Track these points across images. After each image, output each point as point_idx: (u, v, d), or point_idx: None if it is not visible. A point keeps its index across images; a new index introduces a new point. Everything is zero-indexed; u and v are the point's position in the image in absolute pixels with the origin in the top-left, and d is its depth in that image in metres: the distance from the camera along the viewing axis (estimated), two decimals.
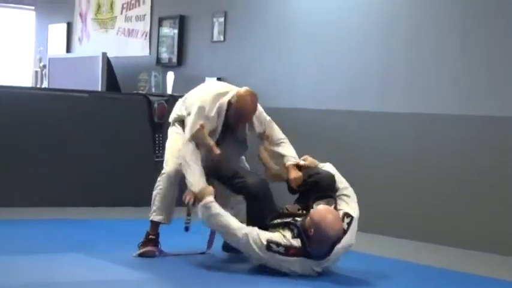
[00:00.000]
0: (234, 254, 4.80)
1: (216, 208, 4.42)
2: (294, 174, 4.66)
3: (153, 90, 7.84)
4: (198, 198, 4.49)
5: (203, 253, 4.88)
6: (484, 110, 5.64)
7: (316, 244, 4.28)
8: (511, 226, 5.45)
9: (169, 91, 7.68)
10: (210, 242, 4.91)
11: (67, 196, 6.81)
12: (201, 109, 4.68)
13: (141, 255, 4.73)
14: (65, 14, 9.94)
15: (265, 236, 4.30)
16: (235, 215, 4.55)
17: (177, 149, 4.76)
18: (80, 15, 9.74)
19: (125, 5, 9.03)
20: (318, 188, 4.56)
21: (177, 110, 5.02)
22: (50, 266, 4.44)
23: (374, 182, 6.20)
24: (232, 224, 4.37)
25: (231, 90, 4.79)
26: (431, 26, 6.02)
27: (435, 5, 6.02)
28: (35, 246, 4.98)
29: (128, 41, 8.94)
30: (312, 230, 4.26)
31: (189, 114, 4.77)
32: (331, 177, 4.62)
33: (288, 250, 4.26)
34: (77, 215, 6.40)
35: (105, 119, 7.09)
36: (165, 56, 8.39)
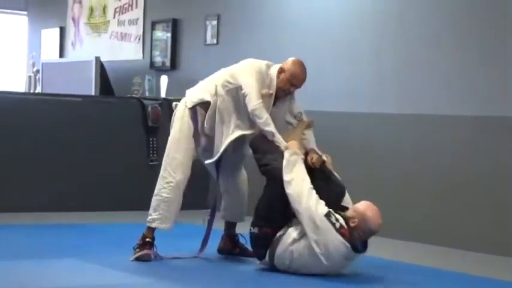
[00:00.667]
0: (230, 255, 4.80)
1: (301, 161, 4.49)
2: (315, 157, 4.65)
3: (147, 93, 7.83)
4: (287, 147, 4.53)
5: (196, 257, 4.83)
6: (483, 111, 5.63)
7: (357, 234, 4.37)
8: (511, 227, 5.44)
9: (163, 95, 7.68)
10: (203, 245, 4.87)
11: (60, 201, 6.80)
12: (258, 73, 4.68)
13: (137, 259, 4.68)
14: (57, 18, 9.95)
15: (323, 209, 4.37)
16: None
17: (189, 156, 4.73)
18: (73, 19, 9.75)
19: (117, 9, 9.03)
20: (331, 199, 4.56)
21: (201, 91, 4.82)
22: (46, 271, 4.42)
23: (372, 183, 6.18)
24: (307, 178, 4.42)
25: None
26: (425, 27, 6.02)
27: (430, 6, 6.01)
28: (30, 252, 4.96)
29: (121, 45, 8.94)
30: (356, 220, 4.38)
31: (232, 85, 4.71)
32: (344, 188, 4.70)
33: (341, 228, 4.33)
34: (71, 219, 6.37)
35: (99, 123, 7.08)
36: (158, 59, 8.39)
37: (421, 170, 5.97)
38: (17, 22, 10.74)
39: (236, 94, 4.71)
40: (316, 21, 6.80)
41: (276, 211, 4.49)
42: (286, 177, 4.42)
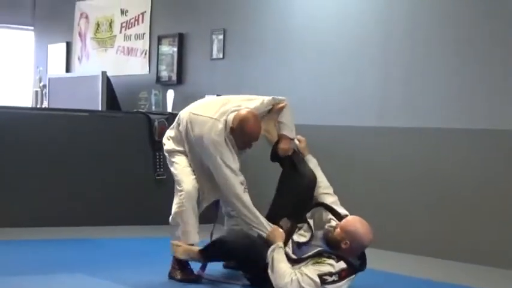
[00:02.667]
0: (234, 269, 4.79)
1: (282, 255, 4.34)
2: (285, 145, 4.67)
3: (153, 108, 7.83)
4: (268, 240, 4.44)
5: (200, 275, 4.70)
6: (490, 123, 5.62)
7: (351, 255, 4.32)
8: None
9: (169, 109, 7.67)
10: (204, 266, 4.77)
11: (67, 216, 6.78)
12: (226, 159, 4.52)
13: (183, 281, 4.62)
14: (64, 33, 9.92)
15: (313, 272, 4.22)
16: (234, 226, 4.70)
17: (188, 169, 4.69)
18: (79, 34, 9.72)
19: (123, 24, 9.02)
20: (300, 190, 4.59)
21: (172, 143, 4.81)
22: (49, 286, 4.37)
23: (375, 197, 6.18)
24: (288, 271, 4.26)
25: (223, 108, 4.64)
26: (429, 39, 6.01)
27: (437, 18, 6.00)
28: (38, 267, 4.94)
29: (127, 60, 8.92)
30: (348, 241, 4.30)
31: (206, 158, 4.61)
32: (314, 179, 4.66)
33: (341, 274, 4.24)
34: (78, 234, 6.36)
35: (106, 137, 7.08)
36: (164, 74, 8.37)
37: (426, 184, 5.93)
38: (24, 37, 10.70)
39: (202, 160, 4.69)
40: (320, 34, 6.79)
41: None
42: (271, 275, 4.28)
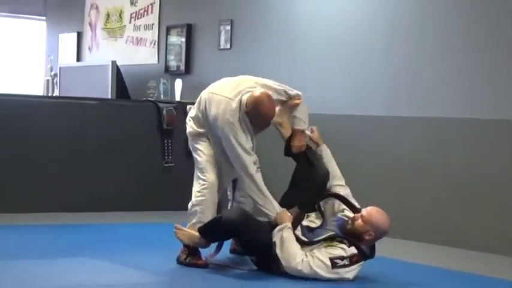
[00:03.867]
0: (240, 255, 4.78)
1: (292, 235, 4.33)
2: (299, 142, 4.65)
3: (162, 97, 7.84)
4: (276, 221, 4.42)
5: (209, 260, 4.66)
6: (498, 114, 5.60)
7: (369, 244, 4.33)
8: None
9: (177, 98, 7.68)
10: (218, 249, 4.72)
11: (77, 202, 6.81)
12: (241, 138, 4.48)
13: (191, 265, 4.58)
14: (75, 23, 9.93)
15: (325, 255, 4.24)
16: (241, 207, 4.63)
17: (213, 159, 4.65)
18: (90, 24, 9.72)
19: (133, 15, 9.01)
20: (313, 185, 4.57)
21: (194, 124, 4.73)
22: (61, 269, 4.40)
23: (383, 187, 6.18)
24: (299, 251, 4.27)
25: (239, 87, 4.59)
26: (435, 29, 6.01)
27: (442, 9, 5.98)
28: (42, 251, 4.94)
29: (136, 50, 8.92)
30: (372, 232, 4.29)
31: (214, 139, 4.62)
32: (327, 175, 4.64)
33: (352, 259, 4.25)
34: (87, 220, 6.39)
35: (115, 125, 7.10)
36: (173, 63, 8.36)
37: (433, 174, 5.94)
38: (36, 27, 10.66)
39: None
40: (328, 25, 6.78)
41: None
42: (279, 255, 4.28)
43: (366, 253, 4.32)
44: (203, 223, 4.53)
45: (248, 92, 4.57)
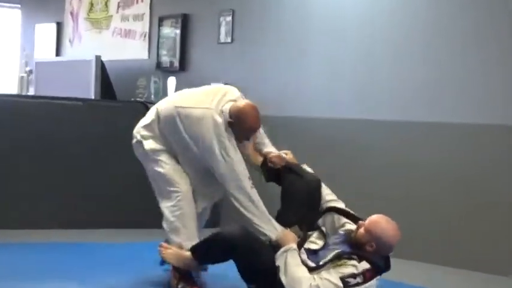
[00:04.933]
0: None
1: (297, 258, 4.30)
2: (276, 157, 4.71)
3: (153, 97, 7.76)
4: (279, 242, 4.39)
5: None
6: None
7: (377, 254, 4.29)
8: None
9: None
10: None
11: (54, 216, 6.73)
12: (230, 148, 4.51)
13: None
14: (54, 12, 9.96)
15: (335, 276, 4.17)
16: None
17: (179, 167, 4.68)
18: (71, 14, 9.75)
19: (121, 3, 9.03)
20: (306, 192, 4.60)
21: (153, 142, 4.78)
22: None
23: (388, 194, 6.21)
24: (306, 276, 4.22)
25: (216, 98, 4.61)
26: (451, 30, 6.05)
27: (458, 8, 6.05)
28: (24, 272, 4.93)
29: (124, 43, 8.96)
30: (373, 243, 4.24)
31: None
32: (319, 181, 4.68)
33: (365, 275, 4.18)
34: (65, 238, 6.31)
35: (99, 129, 7.02)
36: (165, 59, 8.40)
37: (441, 181, 6.00)
38: (9, 16, 10.95)
39: (197, 162, 4.63)
40: (339, 18, 6.77)
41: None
42: (284, 281, 4.24)
43: (380, 265, 4.26)
44: (191, 240, 4.54)
45: (228, 102, 4.60)
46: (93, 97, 7.69)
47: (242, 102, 4.60)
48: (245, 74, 7.43)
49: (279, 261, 4.26)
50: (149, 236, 5.96)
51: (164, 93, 7.68)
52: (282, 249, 4.29)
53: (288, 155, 4.79)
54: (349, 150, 6.51)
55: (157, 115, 4.74)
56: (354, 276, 4.15)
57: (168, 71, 8.19)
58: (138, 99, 7.67)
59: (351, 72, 6.65)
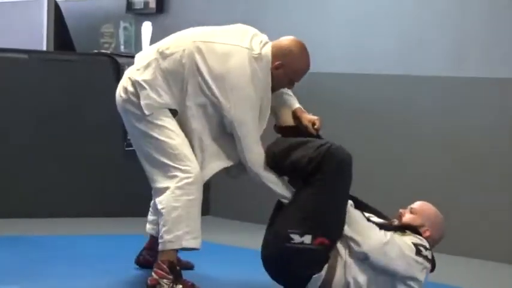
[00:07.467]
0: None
1: (358, 211, 4.50)
2: (310, 116, 4.75)
3: (122, 48, 7.64)
4: None
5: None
6: None
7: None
8: None
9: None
10: None
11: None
12: (255, 86, 4.52)
13: None
14: None
15: (405, 239, 4.41)
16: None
17: (187, 141, 4.62)
18: None
19: None
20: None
21: (155, 94, 4.63)
22: None
23: (394, 153, 6.38)
24: (375, 227, 4.45)
25: (248, 36, 4.59)
26: None
27: None
28: None
29: None
30: (428, 229, 4.49)
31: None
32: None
33: (430, 257, 4.40)
34: (21, 229, 6.32)
35: (54, 90, 6.88)
36: None
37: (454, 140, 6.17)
38: None
39: (213, 111, 4.57)
40: None
41: (336, 213, 4.44)
42: (348, 231, 4.45)
43: (434, 262, 4.44)
44: (194, 236, 4.55)
45: (265, 42, 4.57)
46: (44, 48, 7.54)
47: (284, 39, 4.61)
48: (240, 18, 6.77)
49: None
50: (122, 228, 6.11)
51: (138, 43, 7.58)
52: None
53: (318, 121, 4.81)
54: (365, 106, 6.59)
55: (160, 53, 4.55)
56: (425, 248, 4.34)
57: (141, 14, 8.04)
58: (103, 50, 7.47)
59: (369, 26, 6.72)
